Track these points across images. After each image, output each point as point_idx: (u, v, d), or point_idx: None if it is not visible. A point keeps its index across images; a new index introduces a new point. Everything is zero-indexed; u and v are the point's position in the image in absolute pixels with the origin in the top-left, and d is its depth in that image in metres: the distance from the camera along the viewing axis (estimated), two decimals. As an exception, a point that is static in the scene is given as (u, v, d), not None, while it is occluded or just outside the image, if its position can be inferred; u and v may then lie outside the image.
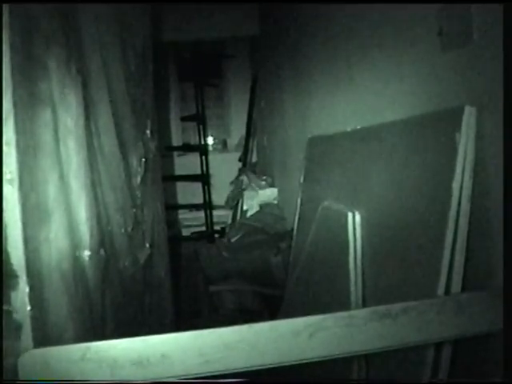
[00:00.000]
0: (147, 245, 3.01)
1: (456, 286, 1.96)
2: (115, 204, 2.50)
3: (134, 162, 2.89)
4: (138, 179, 2.93)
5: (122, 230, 2.57)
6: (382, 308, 1.59)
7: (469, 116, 1.96)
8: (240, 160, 7.66)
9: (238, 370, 1.50)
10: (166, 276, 3.41)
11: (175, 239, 6.20)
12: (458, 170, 1.95)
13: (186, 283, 4.59)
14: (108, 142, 2.50)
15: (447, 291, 1.95)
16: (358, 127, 3.05)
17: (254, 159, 7.67)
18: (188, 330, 1.47)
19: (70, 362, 1.42)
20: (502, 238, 1.87)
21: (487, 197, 1.99)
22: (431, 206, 2.09)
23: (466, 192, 1.97)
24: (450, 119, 2.02)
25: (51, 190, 1.82)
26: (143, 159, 3.06)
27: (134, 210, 2.80)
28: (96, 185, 2.23)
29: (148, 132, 3.23)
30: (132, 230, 2.71)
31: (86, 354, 1.42)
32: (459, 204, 1.96)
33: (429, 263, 2.03)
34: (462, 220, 1.97)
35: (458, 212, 1.96)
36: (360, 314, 1.59)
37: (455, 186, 1.95)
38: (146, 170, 3.07)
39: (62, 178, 1.91)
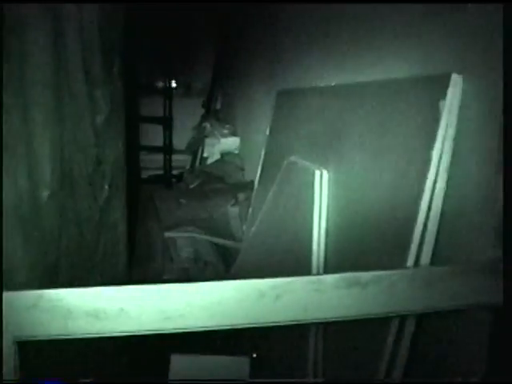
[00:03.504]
0: (106, 186, 2.92)
1: (426, 257, 1.92)
2: (77, 143, 2.41)
3: (99, 99, 2.79)
4: (102, 118, 2.83)
5: (83, 170, 2.48)
6: (351, 275, 1.53)
7: (455, 84, 1.91)
8: (203, 106, 7.56)
9: (200, 329, 1.44)
10: (122, 219, 3.33)
11: (133, 181, 6.11)
12: (439, 138, 1.90)
13: (141, 227, 4.51)
14: (75, 77, 2.40)
15: (416, 263, 1.91)
16: (333, 84, 2.98)
17: (219, 106, 7.56)
18: (141, 276, 1.39)
19: (20, 310, 1.34)
20: (477, 212, 1.84)
21: (465, 169, 1.95)
22: (407, 173, 2.04)
23: (445, 162, 1.92)
24: (435, 86, 1.97)
25: (13, 122, 1.72)
26: (108, 98, 2.96)
27: (96, 150, 2.70)
28: (60, 121, 2.14)
29: (115, 70, 3.12)
30: (93, 170, 2.63)
31: (38, 302, 1.34)
32: (437, 174, 1.91)
33: (400, 232, 1.99)
34: (438, 190, 1.92)
35: (434, 182, 1.91)
36: (329, 279, 1.53)
37: (434, 154, 1.90)
38: (110, 109, 2.97)
39: (26, 109, 1.81)
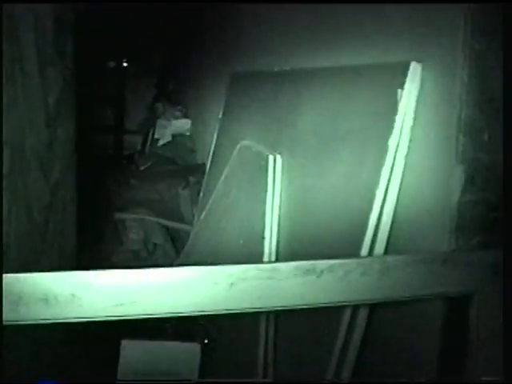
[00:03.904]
0: (57, 166, 2.87)
1: (380, 247, 1.92)
2: (29, 123, 2.36)
3: (50, 79, 2.74)
4: (54, 98, 2.77)
5: (35, 151, 2.43)
6: (306, 263, 1.51)
7: (414, 73, 1.90)
8: (156, 86, 7.48)
9: (153, 315, 1.42)
10: (71, 200, 3.28)
11: (83, 162, 6.03)
12: (397, 127, 1.89)
13: (90, 209, 4.45)
14: (27, 56, 2.35)
15: (370, 252, 1.91)
16: (287, 68, 2.95)
17: (171, 87, 7.48)
18: (90, 259, 1.37)
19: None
20: (433, 202, 1.84)
21: (422, 158, 1.94)
22: (363, 160, 2.03)
23: (402, 150, 1.92)
24: (394, 74, 1.96)
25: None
26: (60, 77, 2.90)
27: (48, 130, 2.65)
28: (11, 100, 2.09)
29: (67, 50, 3.06)
30: (44, 150, 2.57)
31: (-14, 286, 1.31)
32: (393, 162, 1.91)
33: (354, 220, 1.98)
34: (394, 179, 1.92)
35: (391, 170, 1.91)
36: (284, 267, 1.51)
37: (391, 143, 1.90)
38: (62, 89, 2.92)
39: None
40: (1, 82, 1.48)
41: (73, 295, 1.36)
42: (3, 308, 1.29)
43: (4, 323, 1.30)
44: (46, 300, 1.34)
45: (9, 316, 1.31)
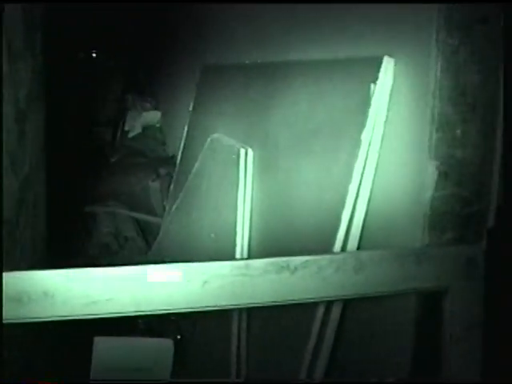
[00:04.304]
0: (27, 160, 2.84)
1: (353, 242, 1.92)
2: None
3: (20, 73, 2.71)
4: (24, 92, 2.74)
5: (5, 147, 2.40)
6: (280, 260, 1.51)
7: (386, 67, 1.90)
8: (126, 78, 7.42)
9: (127, 314, 1.41)
10: (42, 195, 3.25)
11: (53, 156, 5.99)
12: (370, 121, 1.89)
13: (61, 203, 4.41)
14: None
15: (343, 248, 1.91)
16: (259, 61, 2.94)
17: (141, 78, 7.43)
18: (61, 252, 1.35)
19: None
20: (407, 198, 1.84)
21: (395, 154, 1.94)
22: (335, 154, 2.03)
23: (375, 144, 1.92)
24: (367, 68, 1.95)
25: None
26: (30, 71, 2.87)
27: (17, 125, 2.62)
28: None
29: (37, 44, 3.03)
30: (14, 146, 2.55)
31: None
32: (366, 158, 1.90)
33: (327, 215, 1.98)
34: (367, 174, 1.92)
35: (364, 165, 1.91)
36: (257, 264, 1.50)
37: (364, 137, 1.89)
38: (32, 83, 2.89)
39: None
40: (1, 81, 1.46)
41: (45, 293, 1.34)
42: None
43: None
44: (18, 299, 1.32)
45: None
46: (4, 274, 1.32)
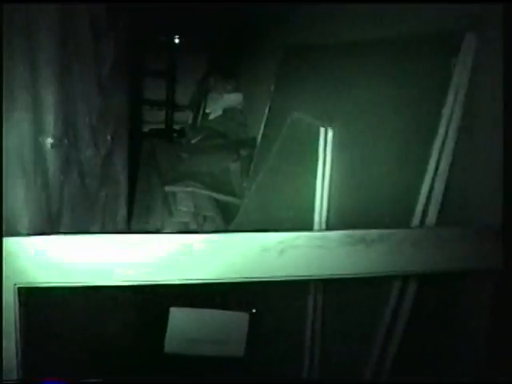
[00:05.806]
0: (109, 137, 2.90)
1: (431, 217, 1.90)
2: (82, 92, 2.38)
3: (103, 50, 2.76)
4: (107, 68, 2.80)
5: (86, 120, 2.45)
6: (357, 232, 1.50)
7: (468, 43, 1.87)
8: (208, 60, 7.46)
9: (205, 281, 1.42)
10: (123, 171, 3.31)
11: (135, 134, 6.07)
12: (450, 97, 1.87)
13: (142, 181, 4.48)
14: (79, 26, 2.37)
15: (422, 222, 1.89)
16: (340, 41, 2.93)
17: (223, 61, 7.46)
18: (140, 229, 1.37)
19: (21, 256, 1.30)
20: (487, 174, 1.81)
21: (475, 128, 1.91)
22: (416, 131, 2.01)
23: (455, 121, 1.89)
24: (448, 44, 1.93)
25: (18, 67, 1.68)
26: (113, 49, 2.92)
27: (100, 100, 2.67)
28: (65, 73, 2.10)
29: (120, 22, 3.09)
30: (96, 120, 2.60)
31: (40, 248, 1.31)
32: (446, 133, 1.88)
33: (406, 191, 1.97)
34: (447, 149, 1.89)
35: (443, 141, 1.88)
36: (334, 235, 1.50)
37: (445, 113, 1.87)
38: (114, 61, 2.94)
39: (30, 54, 1.77)
40: (1, 80, 1.48)
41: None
42: (53, 270, 1.31)
43: (55, 285, 1.32)
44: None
45: (59, 278, 1.32)
46: (84, 237, 1.35)
